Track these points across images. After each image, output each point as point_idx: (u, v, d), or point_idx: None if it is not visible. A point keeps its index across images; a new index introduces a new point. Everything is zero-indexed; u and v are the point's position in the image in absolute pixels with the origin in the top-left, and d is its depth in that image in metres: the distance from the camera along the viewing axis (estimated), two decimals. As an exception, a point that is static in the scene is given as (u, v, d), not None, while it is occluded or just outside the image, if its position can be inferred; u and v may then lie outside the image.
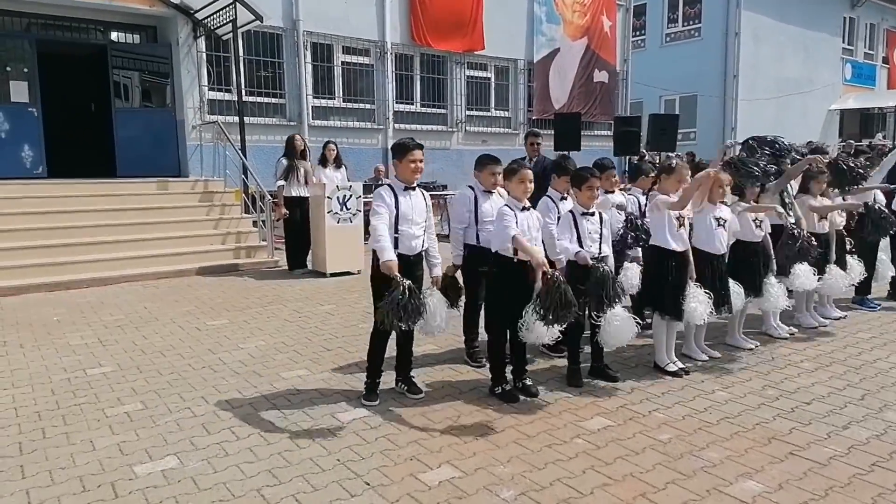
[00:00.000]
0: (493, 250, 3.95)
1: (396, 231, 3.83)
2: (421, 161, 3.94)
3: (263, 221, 9.26)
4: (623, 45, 16.28)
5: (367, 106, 12.57)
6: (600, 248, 4.19)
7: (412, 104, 13.14)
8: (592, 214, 4.20)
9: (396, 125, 12.73)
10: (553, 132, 10.63)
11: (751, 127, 19.31)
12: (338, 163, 8.78)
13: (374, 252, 3.77)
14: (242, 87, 10.27)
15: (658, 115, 12.11)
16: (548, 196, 4.69)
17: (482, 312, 4.77)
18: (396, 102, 12.79)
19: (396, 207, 3.83)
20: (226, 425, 3.68)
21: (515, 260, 3.87)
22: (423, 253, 4.04)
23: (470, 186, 4.61)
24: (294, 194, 8.45)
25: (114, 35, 10.87)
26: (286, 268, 8.63)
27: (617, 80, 16.10)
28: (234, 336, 5.55)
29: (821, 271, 5.33)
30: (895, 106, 22.17)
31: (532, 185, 3.97)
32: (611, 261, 4.28)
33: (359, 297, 6.96)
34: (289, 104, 11.66)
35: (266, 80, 11.41)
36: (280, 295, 7.17)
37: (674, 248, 4.40)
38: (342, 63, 12.19)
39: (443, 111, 13.59)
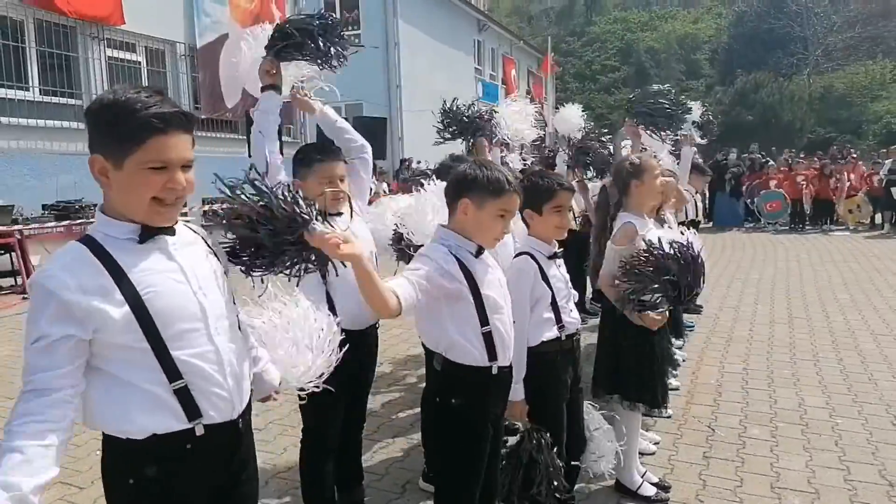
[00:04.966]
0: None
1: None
2: None
3: None
4: (295, 41, 14.43)
5: (-53, 88, 8.26)
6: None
7: (27, 90, 9.13)
8: (559, 255, 2.41)
9: (2, 119, 8.65)
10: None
11: (416, 138, 19.47)
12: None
13: None
14: None
15: (363, 118, 10.72)
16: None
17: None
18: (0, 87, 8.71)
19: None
20: None
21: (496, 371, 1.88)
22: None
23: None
24: None
25: None
26: None
27: (292, 80, 14.18)
28: None
29: None
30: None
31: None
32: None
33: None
34: None
35: None
36: None
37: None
38: None
39: (76, 102, 9.82)
